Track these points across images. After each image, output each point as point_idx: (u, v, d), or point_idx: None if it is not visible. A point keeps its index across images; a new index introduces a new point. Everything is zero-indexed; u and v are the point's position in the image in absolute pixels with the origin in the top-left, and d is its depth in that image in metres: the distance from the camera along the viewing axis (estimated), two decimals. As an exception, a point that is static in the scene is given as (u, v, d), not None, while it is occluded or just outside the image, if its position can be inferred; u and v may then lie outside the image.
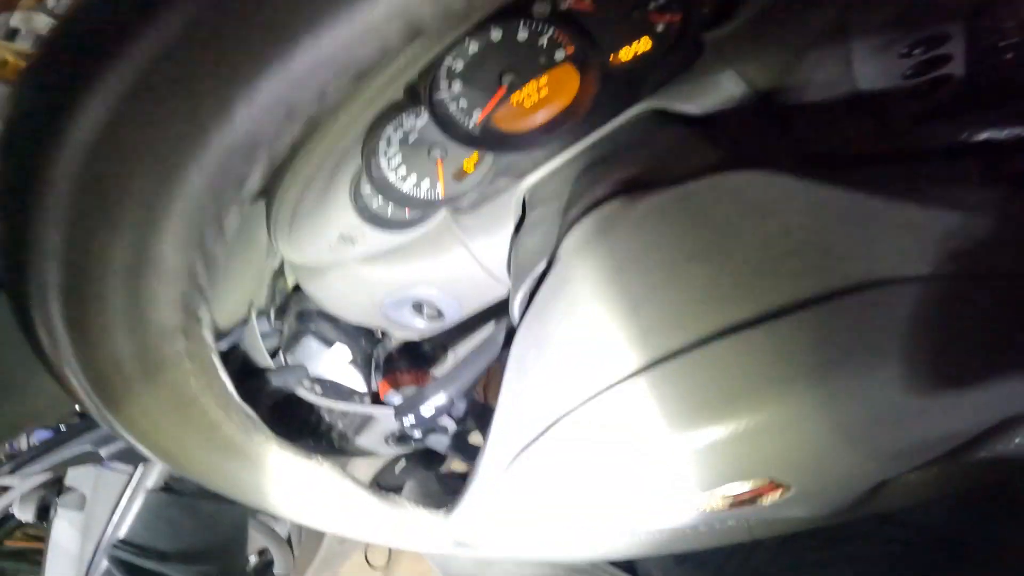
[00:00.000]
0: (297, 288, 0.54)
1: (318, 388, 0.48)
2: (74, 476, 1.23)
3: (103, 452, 0.71)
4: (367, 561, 1.53)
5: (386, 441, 0.52)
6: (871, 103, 0.32)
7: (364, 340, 0.53)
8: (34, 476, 1.14)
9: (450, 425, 0.46)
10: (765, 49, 0.34)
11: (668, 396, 0.22)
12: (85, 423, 0.72)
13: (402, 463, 0.96)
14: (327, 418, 0.49)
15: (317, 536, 1.05)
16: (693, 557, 0.54)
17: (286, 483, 0.27)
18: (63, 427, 0.73)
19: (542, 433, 0.24)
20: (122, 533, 0.88)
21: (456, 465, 1.04)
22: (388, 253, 0.45)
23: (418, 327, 0.50)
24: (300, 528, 0.97)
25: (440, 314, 0.48)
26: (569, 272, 0.30)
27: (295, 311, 0.51)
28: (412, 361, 0.55)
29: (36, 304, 0.12)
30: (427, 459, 0.89)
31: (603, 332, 0.25)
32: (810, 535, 0.37)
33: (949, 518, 0.44)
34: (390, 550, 1.52)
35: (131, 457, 0.73)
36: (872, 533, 0.46)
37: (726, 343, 0.21)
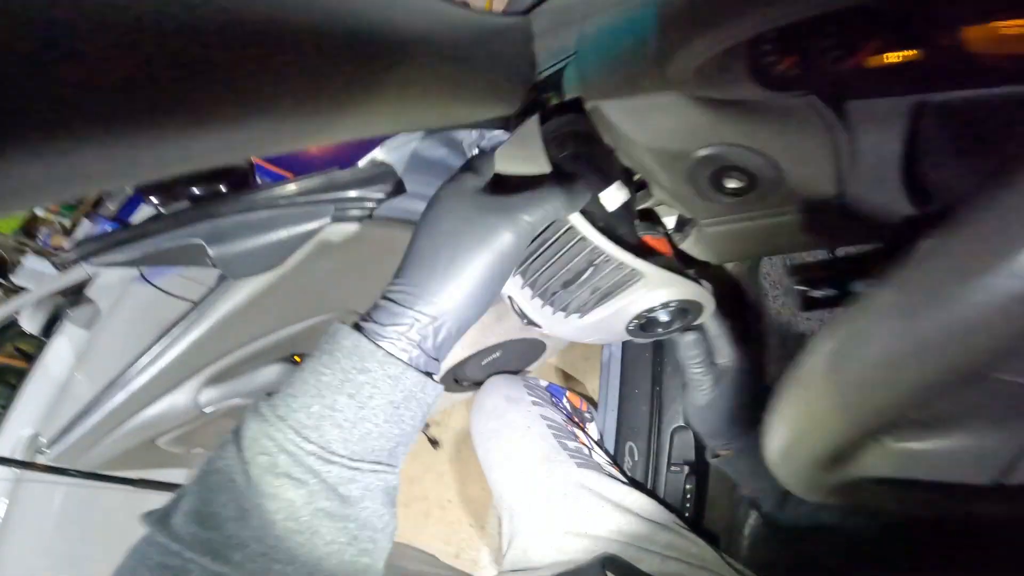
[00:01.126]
0: (563, 108, 0.45)
1: (598, 222, 0.39)
2: (99, 288, 1.07)
3: (213, 251, 0.60)
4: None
5: (629, 324, 0.43)
6: None
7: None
8: (57, 281, 0.98)
9: None
10: None
11: None
12: (195, 212, 0.60)
13: (495, 355, 0.86)
14: (573, 271, 0.40)
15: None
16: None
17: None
18: (163, 211, 0.61)
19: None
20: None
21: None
22: (735, 104, 0.38)
23: (712, 199, 0.43)
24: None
25: (752, 184, 0.41)
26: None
27: (568, 129, 0.42)
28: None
29: None
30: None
31: None
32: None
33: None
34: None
35: (244, 267, 0.62)
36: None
37: None
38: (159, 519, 0.29)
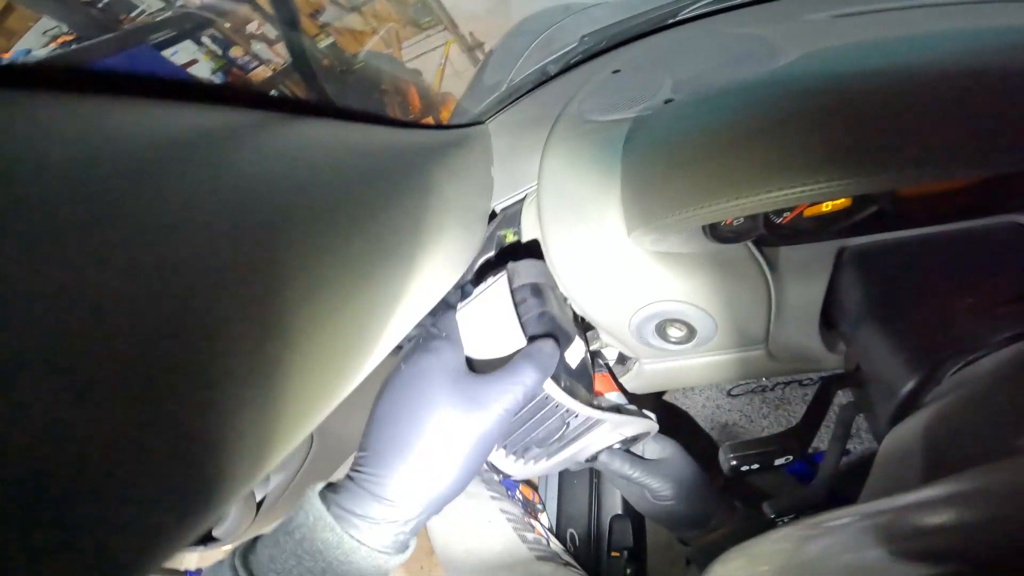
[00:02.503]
0: (513, 252, 0.47)
1: (565, 383, 0.41)
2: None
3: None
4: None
5: (587, 458, 0.46)
6: None
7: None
8: None
9: None
10: None
11: None
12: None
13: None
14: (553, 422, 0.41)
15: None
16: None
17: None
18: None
19: None
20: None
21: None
22: (681, 259, 0.42)
23: (655, 346, 0.47)
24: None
25: (691, 334, 0.45)
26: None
27: (527, 283, 0.44)
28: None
29: None
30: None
31: None
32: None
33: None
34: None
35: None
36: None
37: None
38: None
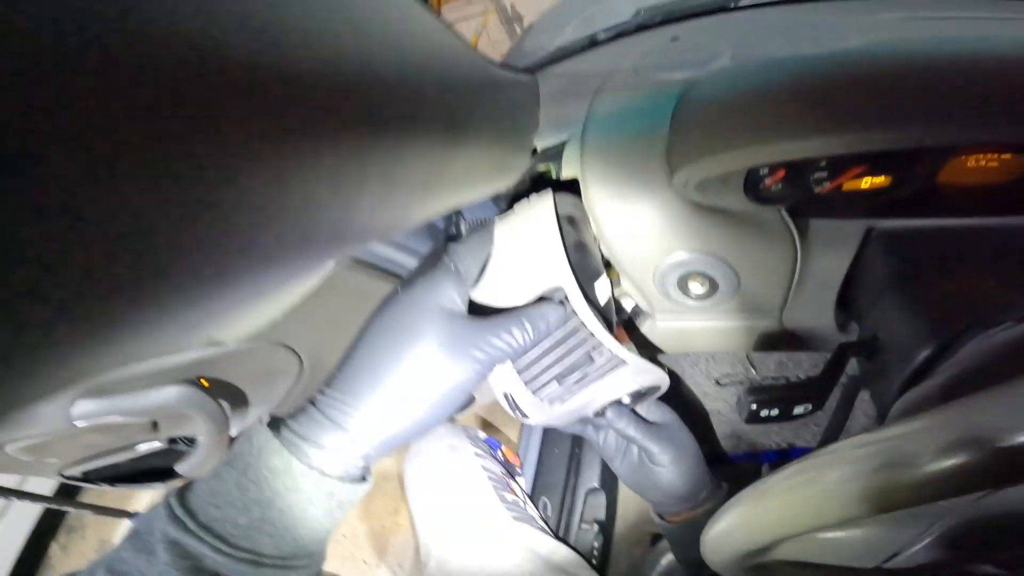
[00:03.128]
0: (551, 183, 0.47)
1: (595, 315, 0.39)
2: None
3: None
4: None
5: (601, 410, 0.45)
6: None
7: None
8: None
9: None
10: None
11: None
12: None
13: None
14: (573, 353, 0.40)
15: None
16: None
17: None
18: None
19: None
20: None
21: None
22: (716, 212, 0.43)
23: (675, 299, 0.47)
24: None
25: (713, 291, 0.46)
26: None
27: (564, 214, 0.42)
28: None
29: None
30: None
31: None
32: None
33: None
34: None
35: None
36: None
37: None
38: None
